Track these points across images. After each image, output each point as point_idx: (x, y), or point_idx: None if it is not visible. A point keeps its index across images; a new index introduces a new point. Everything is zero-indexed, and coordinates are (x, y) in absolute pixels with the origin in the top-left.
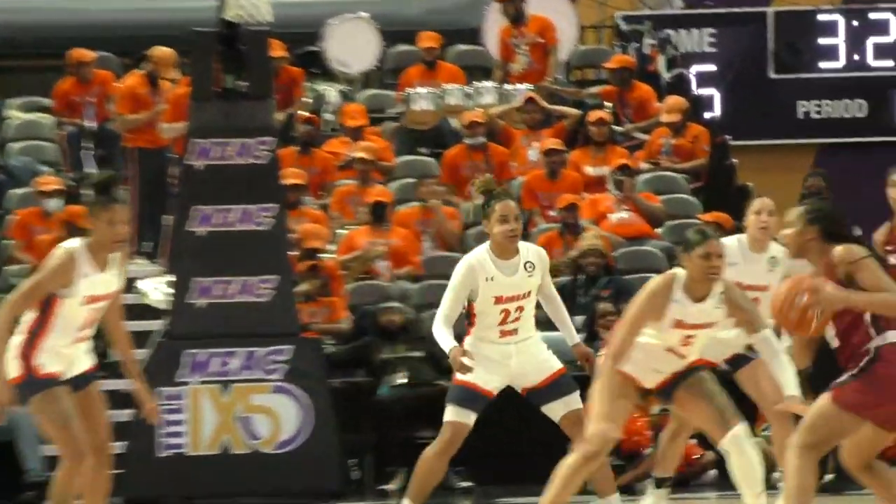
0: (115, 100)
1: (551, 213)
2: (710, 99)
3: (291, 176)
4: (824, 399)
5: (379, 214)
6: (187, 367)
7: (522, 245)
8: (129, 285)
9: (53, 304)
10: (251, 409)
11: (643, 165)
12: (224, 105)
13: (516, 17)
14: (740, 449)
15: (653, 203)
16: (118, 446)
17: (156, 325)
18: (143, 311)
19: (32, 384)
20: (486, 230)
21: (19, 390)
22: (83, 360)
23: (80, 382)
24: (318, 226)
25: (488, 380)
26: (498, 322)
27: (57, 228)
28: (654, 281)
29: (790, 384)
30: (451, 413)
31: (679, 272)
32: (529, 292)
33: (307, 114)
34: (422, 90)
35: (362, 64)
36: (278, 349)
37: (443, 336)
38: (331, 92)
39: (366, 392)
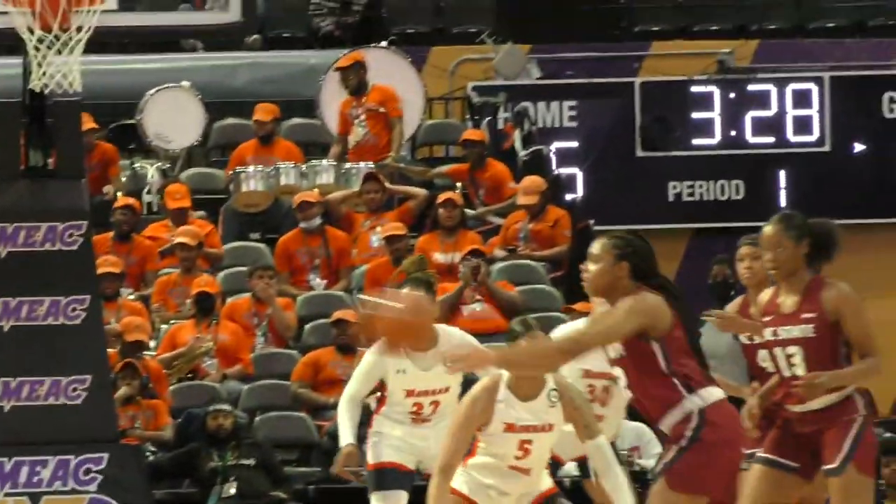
0: None
1: None
2: (571, 179)
3: (107, 264)
4: (659, 487)
5: (205, 307)
6: None
7: (445, 334)
8: None
9: None
10: None
11: (498, 252)
12: (30, 185)
13: (357, 89)
14: None
15: (510, 292)
16: None
17: None
18: None
19: None
20: None
21: None
22: None
23: None
24: (138, 318)
25: (403, 458)
26: (409, 412)
27: None
28: (477, 384)
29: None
30: (378, 500)
31: (504, 371)
32: (448, 388)
33: (124, 195)
34: (253, 168)
35: (185, 139)
36: (94, 457)
37: (343, 424)
38: (150, 170)
39: None
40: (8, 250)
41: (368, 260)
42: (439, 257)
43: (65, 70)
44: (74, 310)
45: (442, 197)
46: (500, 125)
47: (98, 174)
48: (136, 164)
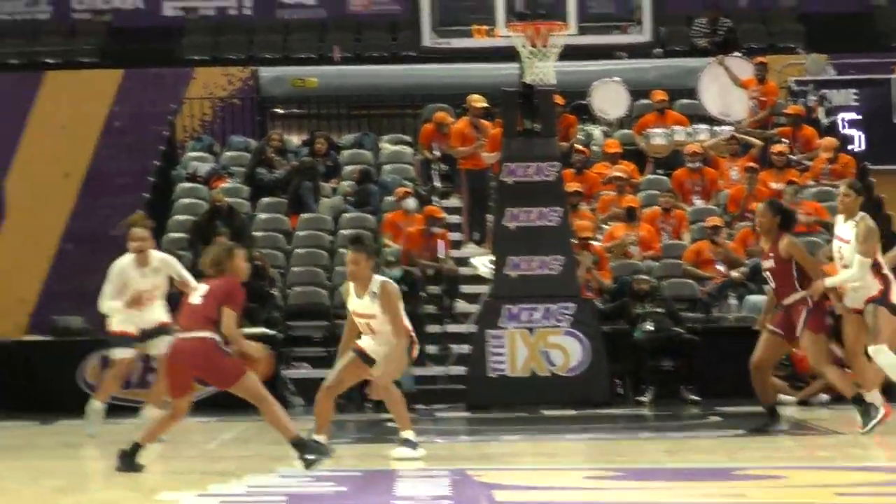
0: (451, 137)
1: (747, 214)
2: (852, 137)
3: (571, 187)
4: None
5: (631, 214)
6: (506, 317)
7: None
8: (466, 261)
9: None
10: (549, 346)
11: (810, 182)
12: (524, 140)
13: (761, 79)
14: None
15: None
16: (462, 370)
17: (484, 288)
18: (475, 279)
19: None
20: None
21: None
22: None
23: None
24: (588, 221)
25: None
26: None
27: (417, 223)
28: None
29: None
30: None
31: None
32: None
33: (580, 146)
34: (658, 129)
35: (617, 112)
36: (566, 305)
37: None
38: (595, 131)
39: (624, 335)
40: (514, 179)
41: (730, 186)
42: (773, 185)
43: (544, 70)
44: (551, 216)
45: (775, 147)
46: (810, 104)
47: (564, 133)
48: (587, 127)
